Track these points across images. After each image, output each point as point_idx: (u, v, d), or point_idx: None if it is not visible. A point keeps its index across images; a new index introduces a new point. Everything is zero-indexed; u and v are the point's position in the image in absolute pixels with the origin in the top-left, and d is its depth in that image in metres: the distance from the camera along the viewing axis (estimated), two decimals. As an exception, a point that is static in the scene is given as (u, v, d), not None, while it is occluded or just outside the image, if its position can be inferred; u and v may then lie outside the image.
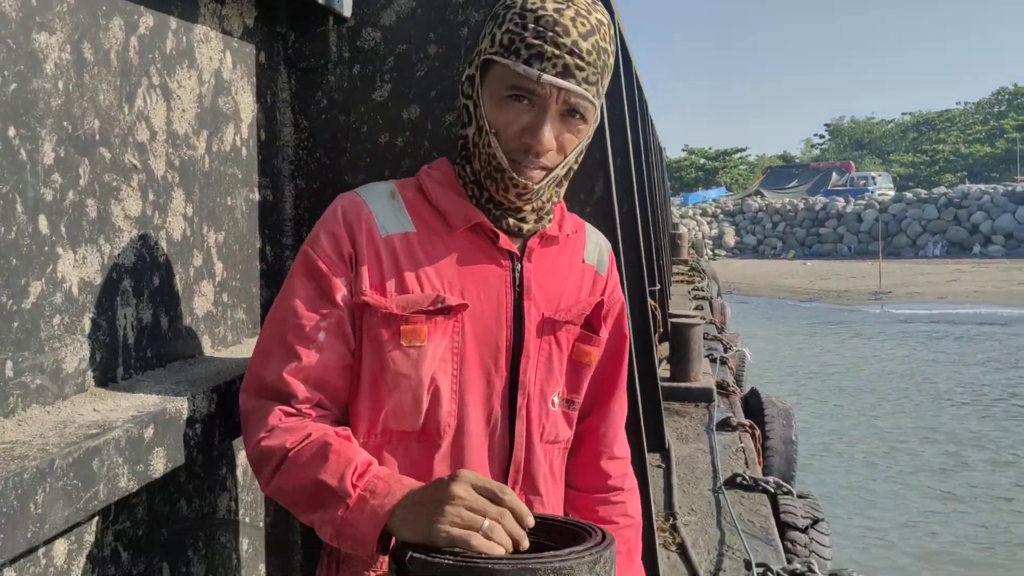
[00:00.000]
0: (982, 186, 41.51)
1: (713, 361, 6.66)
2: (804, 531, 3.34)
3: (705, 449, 4.40)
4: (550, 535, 1.10)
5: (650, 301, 5.68)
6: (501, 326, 1.30)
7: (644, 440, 2.86)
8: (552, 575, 0.98)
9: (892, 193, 46.43)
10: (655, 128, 12.47)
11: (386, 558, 1.10)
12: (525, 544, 1.05)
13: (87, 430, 1.14)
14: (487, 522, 1.02)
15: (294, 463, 1.18)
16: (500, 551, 1.01)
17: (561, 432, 1.38)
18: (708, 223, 47.16)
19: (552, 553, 1.02)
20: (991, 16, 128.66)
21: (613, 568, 1.05)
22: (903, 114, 75.76)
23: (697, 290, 11.91)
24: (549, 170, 1.25)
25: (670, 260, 14.14)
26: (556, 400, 1.36)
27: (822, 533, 3.35)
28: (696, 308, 9.86)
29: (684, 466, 4.10)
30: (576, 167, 1.33)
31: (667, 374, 5.52)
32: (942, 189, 43.18)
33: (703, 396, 5.27)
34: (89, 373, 1.33)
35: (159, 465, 1.26)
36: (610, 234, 2.79)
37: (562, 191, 1.34)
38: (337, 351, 1.28)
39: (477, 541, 1.01)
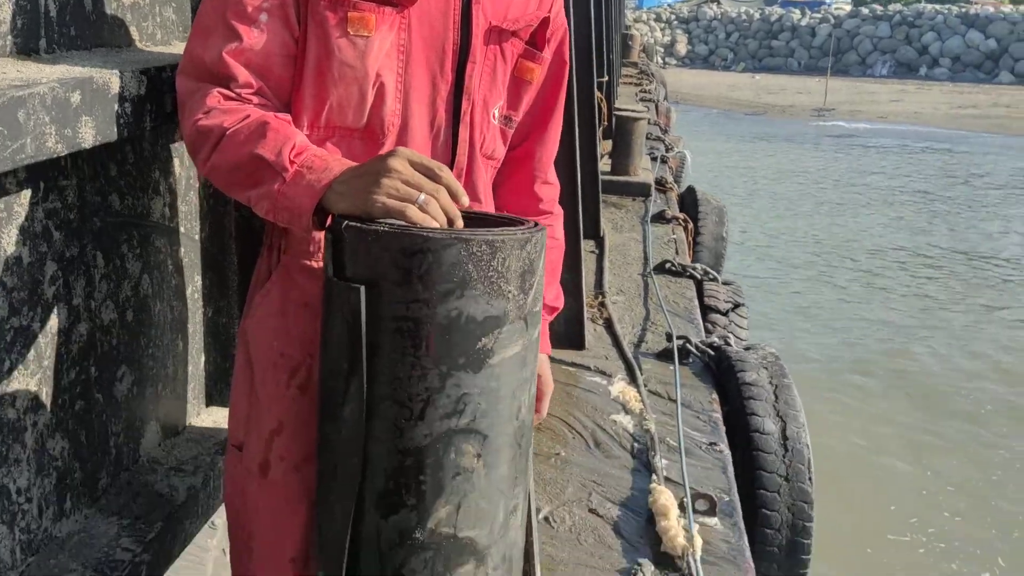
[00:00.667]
0: (937, 6, 40.93)
1: (654, 159, 6.71)
2: (725, 314, 3.52)
3: (639, 239, 4.52)
4: (485, 225, 1.13)
5: (597, 93, 5.62)
6: (448, 28, 1.27)
7: (581, 226, 2.91)
8: (485, 246, 1.00)
9: (849, 7, 45.55)
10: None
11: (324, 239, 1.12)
12: (459, 223, 1.08)
13: (11, 83, 1.11)
14: (423, 196, 1.04)
15: (232, 140, 1.17)
16: (434, 225, 1.04)
17: (498, 148, 1.39)
18: (662, 29, 45.93)
19: (486, 229, 1.05)
20: None
21: (543, 254, 1.08)
22: (871, -75, 72.68)
23: (644, 92, 11.75)
24: None
25: (620, 60, 13.85)
26: (496, 114, 1.36)
27: (741, 316, 3.53)
28: (642, 110, 9.80)
29: (617, 252, 4.22)
30: None
31: (608, 168, 5.56)
32: (898, 6, 42.44)
33: (641, 190, 5.34)
34: (9, 39, 1.27)
35: (87, 135, 1.23)
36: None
37: None
38: (280, 37, 1.24)
39: (412, 213, 1.03)
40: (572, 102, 3.89)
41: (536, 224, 1.10)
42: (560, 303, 1.62)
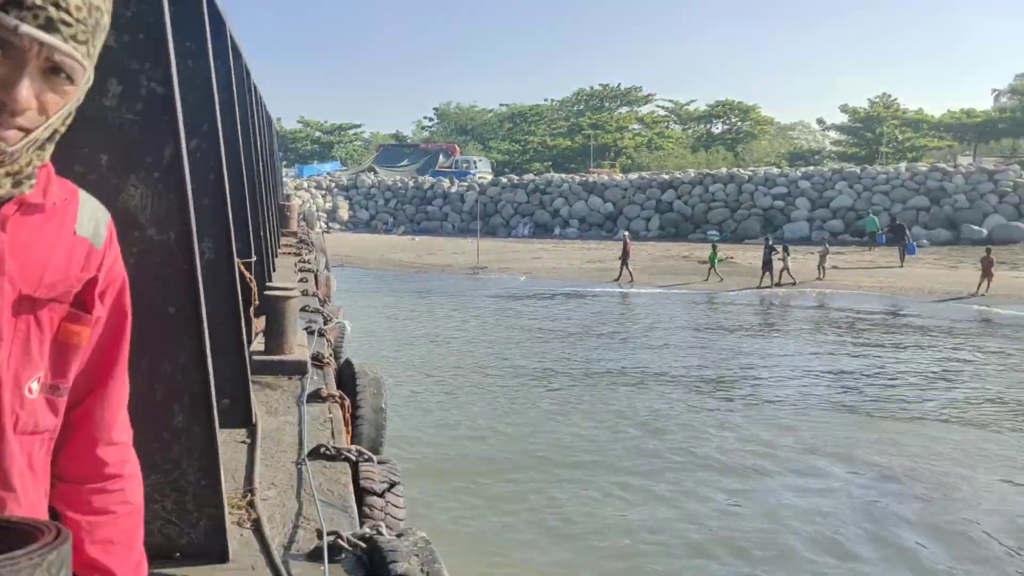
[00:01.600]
0: (563, 175, 47.05)
1: (311, 333, 6.69)
2: (381, 495, 3.50)
3: (294, 422, 4.41)
4: (3, 538, 0.96)
5: (246, 273, 5.54)
6: None
7: (215, 418, 2.77)
8: None
9: (490, 177, 50.62)
10: (262, 96, 12.05)
11: None
12: None
13: None
14: None
15: None
16: None
17: (43, 421, 1.22)
18: (323, 196, 47.24)
19: None
20: (579, 23, 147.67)
21: (66, 568, 0.94)
22: (501, 105, 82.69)
23: (304, 262, 11.84)
24: (27, 131, 1.12)
25: (278, 231, 13.89)
26: (35, 387, 1.20)
27: (397, 496, 3.54)
28: (301, 280, 9.82)
29: (271, 440, 4.07)
30: (63, 130, 1.17)
31: (262, 348, 5.43)
32: (531, 176, 48.08)
33: (296, 368, 5.27)
34: None
35: None
36: (180, 200, 2.65)
37: (46, 155, 1.18)
38: None
39: None
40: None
41: (58, 534, 0.96)
42: (144, 571, 1.39)
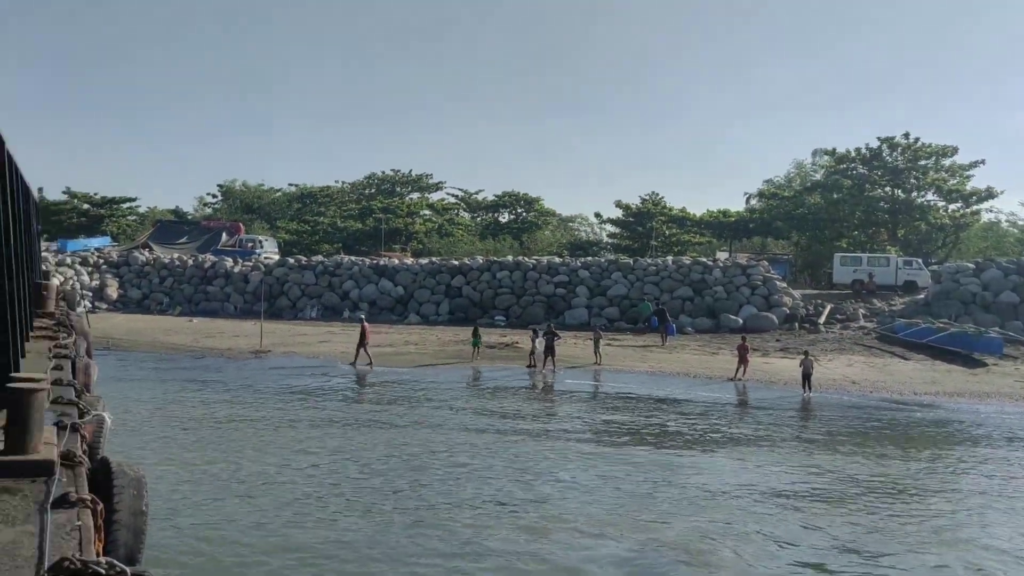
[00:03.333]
0: (353, 258, 46.72)
1: (63, 428, 6.05)
2: (136, 610, 3.17)
3: (34, 531, 3.92)
4: None
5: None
6: None
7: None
8: None
9: (277, 257, 49.25)
10: (17, 165, 11.04)
11: None
12: None
13: None
14: None
15: None
16: None
17: None
18: (89, 273, 43.72)
19: None
20: (371, 108, 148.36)
21: None
22: (290, 185, 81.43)
23: (60, 348, 10.77)
24: None
25: (31, 313, 12.60)
26: None
27: (154, 610, 3.22)
28: (55, 368, 8.91)
29: (5, 554, 3.59)
30: None
31: (1, 447, 4.82)
32: (320, 258, 47.34)
33: (41, 470, 4.71)
34: None
35: None
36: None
37: None
38: None
39: None
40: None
41: None
42: None
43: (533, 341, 27.37)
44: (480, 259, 44.57)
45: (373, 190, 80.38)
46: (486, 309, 40.35)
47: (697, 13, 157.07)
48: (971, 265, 38.34)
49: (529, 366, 26.91)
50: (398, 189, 79.87)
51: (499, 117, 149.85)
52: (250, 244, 51.52)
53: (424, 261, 45.74)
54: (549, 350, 26.52)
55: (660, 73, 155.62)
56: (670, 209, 62.74)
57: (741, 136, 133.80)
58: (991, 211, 58.23)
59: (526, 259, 43.68)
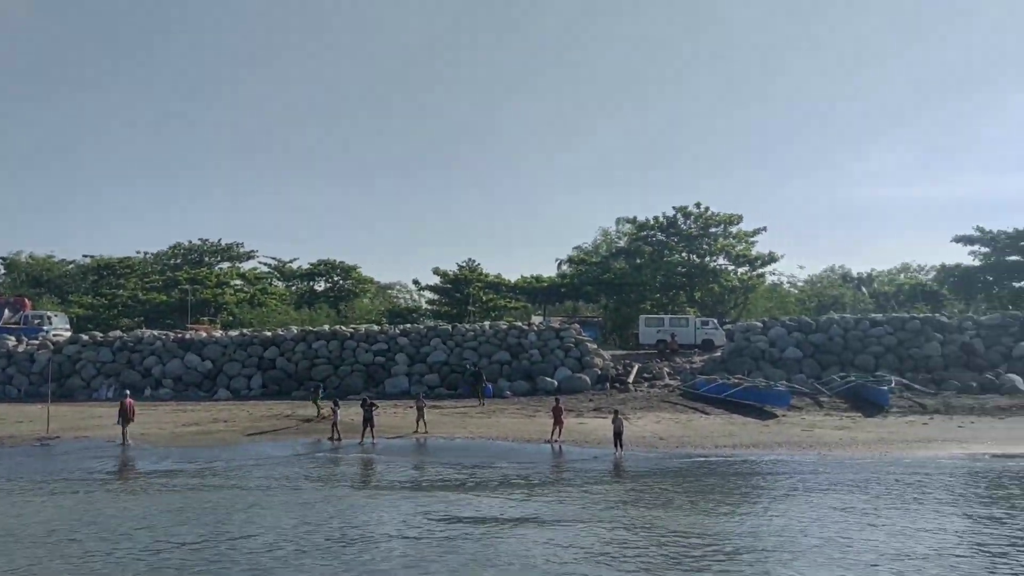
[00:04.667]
0: (156, 332, 44.01)
1: None
2: None
3: None
4: None
5: None
6: None
7: None
8: None
9: (69, 334, 45.57)
10: None
11: None
12: None
13: None
14: None
15: None
16: None
17: None
18: None
19: None
20: (172, 174, 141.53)
21: None
22: (85, 256, 75.97)
23: None
24: None
25: None
26: None
27: None
28: None
29: None
30: None
31: None
32: (118, 333, 44.24)
33: None
34: None
35: None
36: None
37: None
38: None
39: None
40: None
41: None
42: None
43: (335, 412, 26.78)
44: (295, 329, 43.37)
45: (179, 260, 76.57)
46: (302, 381, 39.14)
47: (520, 83, 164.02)
48: (759, 324, 41.73)
49: (331, 438, 26.18)
50: (206, 259, 76.55)
51: (313, 182, 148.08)
52: (37, 321, 47.34)
53: (234, 333, 43.86)
54: (368, 420, 26.05)
55: (470, 142, 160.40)
56: (486, 275, 64.08)
57: (555, 203, 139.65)
58: (774, 273, 63.84)
59: (343, 328, 42.96)
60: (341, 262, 72.15)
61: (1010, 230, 56.07)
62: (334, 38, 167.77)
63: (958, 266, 58.19)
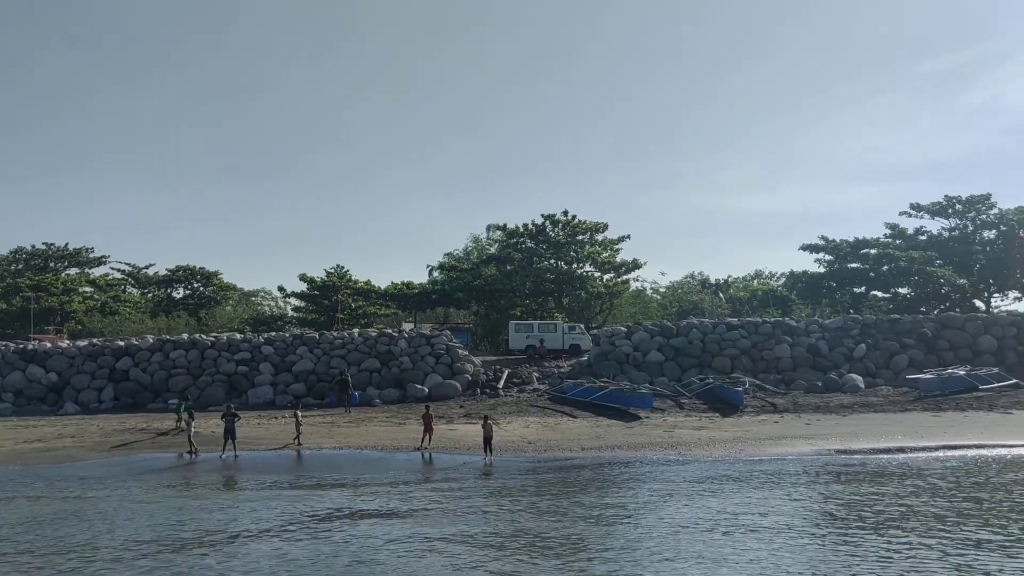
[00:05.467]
0: (-6, 342, 40.88)
1: None
2: None
3: None
4: None
5: None
6: None
7: None
8: None
9: None
10: None
11: None
12: None
13: None
14: None
15: None
16: None
17: None
18: None
19: None
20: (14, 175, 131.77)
21: None
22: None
23: None
24: None
25: None
26: None
27: None
28: None
29: None
30: None
31: None
32: (-50, 343, 40.79)
33: None
34: None
35: None
36: None
37: None
38: None
39: None
40: None
41: None
42: None
43: (189, 424, 25.63)
44: (151, 338, 41.27)
45: (21, 266, 71.45)
46: (158, 392, 37.31)
47: (389, 84, 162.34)
48: (623, 329, 43.01)
49: (189, 452, 25.06)
50: (52, 264, 71.80)
51: (171, 185, 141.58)
52: None
53: (83, 343, 41.28)
54: (229, 432, 25.08)
55: (347, 145, 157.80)
56: (355, 282, 63.10)
57: (424, 208, 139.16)
58: (637, 280, 65.95)
59: (203, 337, 41.23)
60: (201, 268, 69.36)
61: (851, 239, 60.24)
62: (194, 36, 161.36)
63: (805, 273, 61.94)
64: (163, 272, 69.74)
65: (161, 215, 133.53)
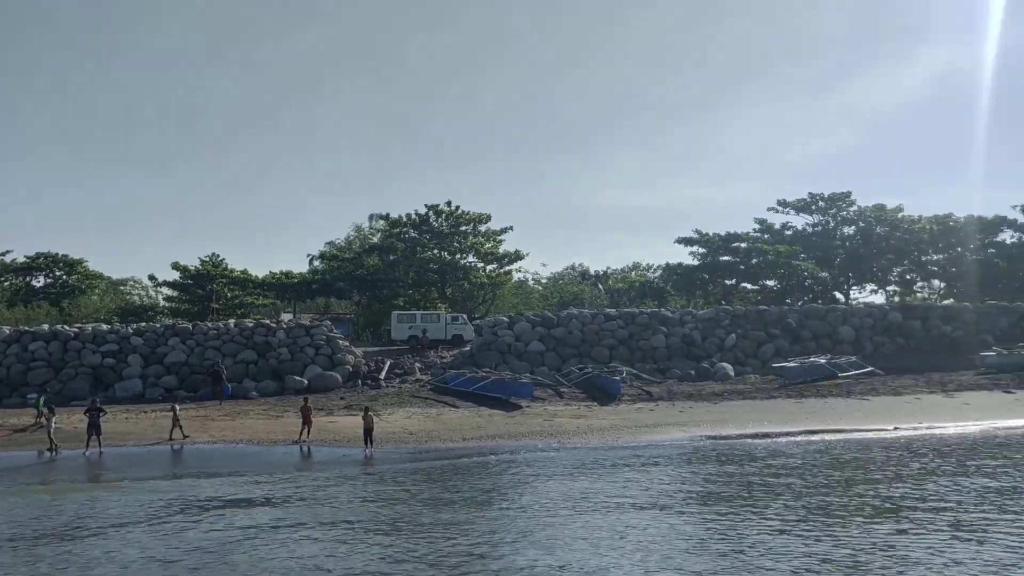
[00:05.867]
0: None
1: None
2: None
3: None
4: None
5: None
6: None
7: None
8: None
9: None
10: None
11: None
12: None
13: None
14: None
15: None
16: None
17: None
18: None
19: None
20: None
21: None
22: None
23: None
24: None
25: None
26: None
27: None
28: None
29: None
30: None
31: None
32: None
33: None
34: None
35: None
36: None
37: None
38: None
39: None
40: None
41: None
42: None
43: (49, 420, 24.25)
44: (7, 330, 38.68)
45: None
46: (15, 387, 35.09)
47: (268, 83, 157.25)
48: (505, 319, 43.44)
49: (49, 449, 23.75)
50: None
51: (32, 169, 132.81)
52: None
53: (-72, 335, 38.28)
54: (94, 427, 23.88)
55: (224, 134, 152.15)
56: (231, 271, 61.06)
57: (307, 200, 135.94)
58: (520, 271, 66.67)
59: (66, 328, 38.98)
60: (64, 255, 65.40)
61: (723, 233, 62.78)
62: (63, 14, 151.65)
63: (680, 265, 64.17)
64: (21, 259, 65.33)
65: (22, 202, 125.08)
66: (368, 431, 23.87)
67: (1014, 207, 62.17)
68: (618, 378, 35.21)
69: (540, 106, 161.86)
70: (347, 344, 40.75)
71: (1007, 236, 62.53)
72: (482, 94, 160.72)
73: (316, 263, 67.04)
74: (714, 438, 25.24)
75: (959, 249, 61.52)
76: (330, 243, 74.53)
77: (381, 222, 64.44)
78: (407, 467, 21.17)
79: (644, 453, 22.52)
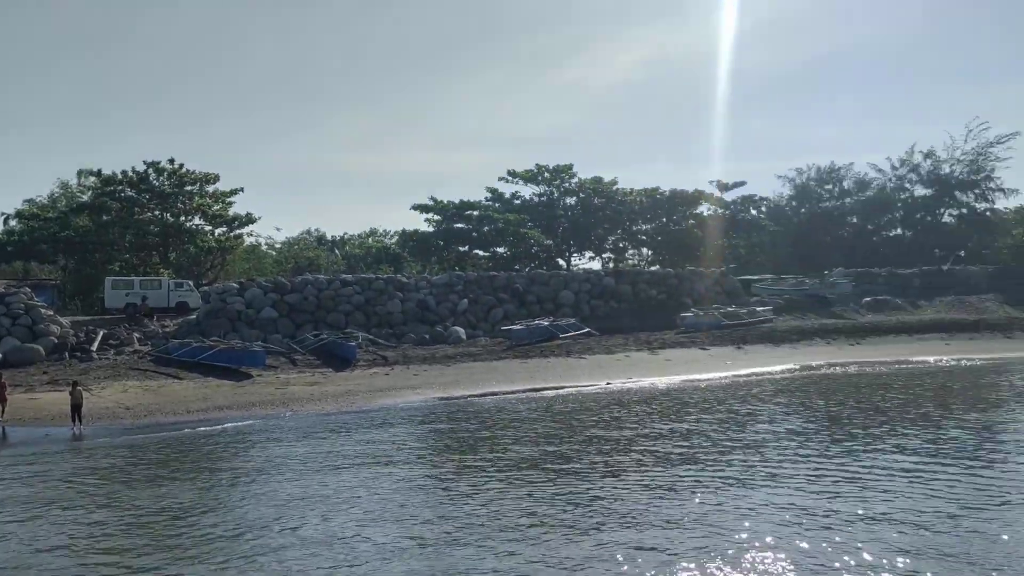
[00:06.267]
0: None
1: None
2: None
3: None
4: None
5: None
6: None
7: None
8: None
9: None
10: None
11: None
12: None
13: None
14: None
15: None
16: None
17: None
18: None
19: None
20: None
21: None
22: None
23: None
24: None
25: None
26: None
27: None
28: None
29: None
30: None
31: None
32: None
33: None
34: None
35: None
36: None
37: None
38: None
39: None
40: None
41: None
42: None
43: None
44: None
45: None
46: None
47: None
48: (236, 285, 41.53)
49: None
50: None
51: None
52: None
53: None
54: None
55: None
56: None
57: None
58: (252, 235, 63.96)
59: None
60: None
61: (457, 201, 64.46)
62: None
63: (416, 232, 65.04)
64: None
65: None
66: (76, 407, 21.91)
67: (711, 182, 70.54)
68: (354, 344, 35.11)
69: (245, 59, 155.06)
70: (51, 313, 36.80)
71: (704, 209, 70.46)
72: (210, 51, 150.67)
73: (12, 223, 59.62)
74: (446, 399, 26.13)
75: (664, 220, 68.16)
76: (29, 200, 66.51)
77: (92, 179, 58.58)
78: (121, 442, 19.76)
79: (377, 417, 22.82)
